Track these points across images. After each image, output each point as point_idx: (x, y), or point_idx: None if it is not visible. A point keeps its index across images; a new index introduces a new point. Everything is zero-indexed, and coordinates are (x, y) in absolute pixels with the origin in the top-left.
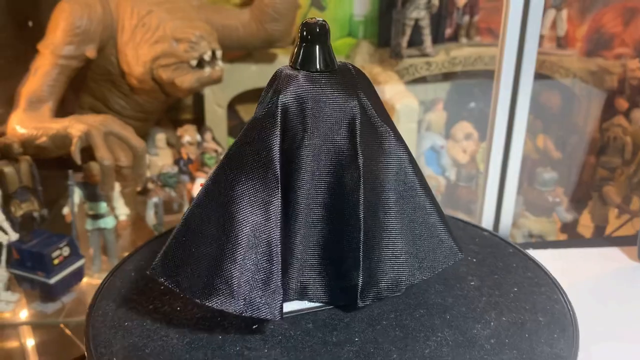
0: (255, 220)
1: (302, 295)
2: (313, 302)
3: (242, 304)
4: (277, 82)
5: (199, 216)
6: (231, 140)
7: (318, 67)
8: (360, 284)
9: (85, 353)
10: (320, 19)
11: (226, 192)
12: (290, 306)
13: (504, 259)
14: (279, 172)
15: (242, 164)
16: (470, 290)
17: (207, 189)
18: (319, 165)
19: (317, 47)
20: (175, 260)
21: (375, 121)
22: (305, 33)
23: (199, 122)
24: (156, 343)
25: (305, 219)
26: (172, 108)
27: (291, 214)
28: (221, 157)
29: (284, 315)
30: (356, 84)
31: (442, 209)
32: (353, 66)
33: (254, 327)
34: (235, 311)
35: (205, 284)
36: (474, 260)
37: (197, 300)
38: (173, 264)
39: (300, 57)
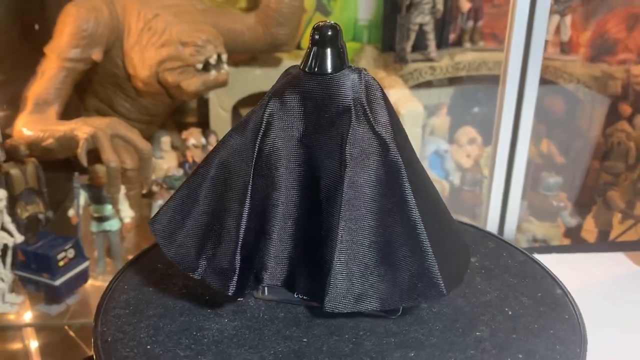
0: (228, 203)
1: (284, 283)
2: (296, 294)
3: (201, 270)
4: (279, 79)
5: (186, 190)
6: None
7: (318, 69)
8: (327, 291)
9: (94, 356)
10: (332, 21)
11: (208, 172)
12: (277, 293)
13: (510, 263)
14: (253, 163)
15: (225, 149)
16: (475, 293)
17: (197, 167)
18: (300, 166)
19: (321, 49)
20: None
21: (372, 129)
22: (313, 35)
23: (204, 125)
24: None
25: (283, 214)
26: (177, 111)
27: (271, 206)
28: None
29: (262, 299)
30: (358, 89)
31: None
32: (364, 72)
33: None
34: (196, 276)
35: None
36: (478, 264)
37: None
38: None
39: (305, 59)
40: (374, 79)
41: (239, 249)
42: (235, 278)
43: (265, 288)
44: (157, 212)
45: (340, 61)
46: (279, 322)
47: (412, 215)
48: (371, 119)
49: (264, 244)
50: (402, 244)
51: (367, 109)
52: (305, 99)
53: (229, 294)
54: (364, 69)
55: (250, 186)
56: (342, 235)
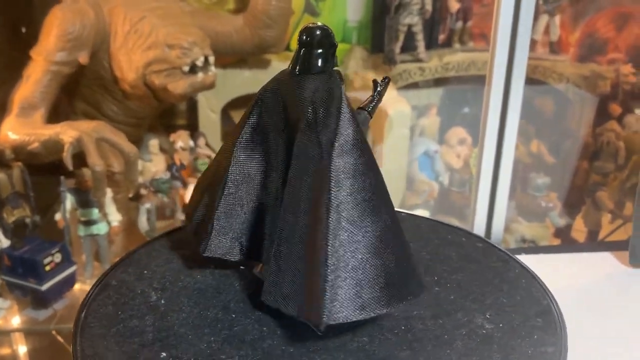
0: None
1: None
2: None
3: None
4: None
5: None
6: None
7: (296, 69)
8: (267, 282)
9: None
10: (318, 24)
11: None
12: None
13: (493, 265)
14: (240, 148)
15: (228, 136)
16: (457, 295)
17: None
18: (266, 155)
19: (302, 50)
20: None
21: (316, 134)
22: (299, 36)
23: (193, 127)
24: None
25: (255, 200)
26: (166, 114)
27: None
28: None
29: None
30: (319, 92)
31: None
32: (335, 76)
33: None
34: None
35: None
36: (461, 265)
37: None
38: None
39: (294, 60)
40: (340, 83)
41: (214, 216)
42: (208, 241)
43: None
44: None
45: (314, 63)
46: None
47: (322, 233)
48: (320, 124)
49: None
50: (306, 260)
51: (320, 113)
52: (280, 96)
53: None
54: (338, 72)
55: (232, 161)
56: (280, 231)
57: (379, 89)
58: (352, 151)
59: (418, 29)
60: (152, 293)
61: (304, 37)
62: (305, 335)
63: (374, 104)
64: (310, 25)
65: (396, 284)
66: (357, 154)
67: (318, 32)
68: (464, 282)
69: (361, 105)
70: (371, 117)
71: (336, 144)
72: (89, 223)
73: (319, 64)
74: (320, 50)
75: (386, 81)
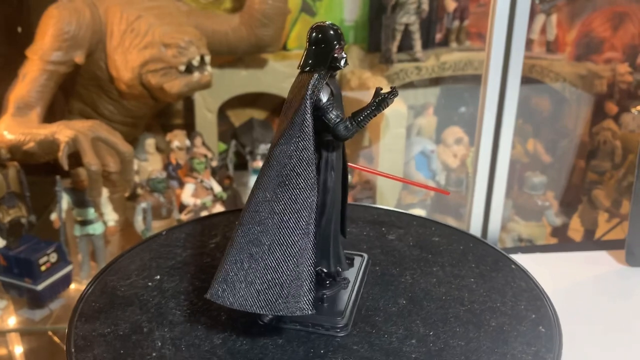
0: None
1: None
2: None
3: None
4: None
5: None
6: (222, 145)
7: (299, 66)
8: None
9: None
10: (329, 22)
11: None
12: None
13: (488, 264)
14: None
15: None
16: (451, 295)
17: None
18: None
19: (305, 48)
20: None
21: (280, 128)
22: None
23: (190, 127)
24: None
25: None
26: (163, 113)
27: None
28: (211, 162)
29: None
30: (297, 88)
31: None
32: (314, 75)
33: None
34: None
35: None
36: (455, 265)
37: None
38: None
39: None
40: (311, 81)
41: None
42: None
43: None
44: None
45: (305, 61)
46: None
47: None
48: (288, 117)
49: None
50: (257, 252)
51: (288, 107)
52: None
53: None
54: (318, 72)
55: None
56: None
57: (378, 98)
58: (288, 150)
59: (415, 28)
60: (147, 293)
61: (306, 35)
62: None
63: (365, 113)
64: (315, 23)
65: (276, 295)
66: (296, 157)
67: (313, 31)
68: (457, 282)
69: (354, 112)
70: (357, 125)
71: (283, 144)
72: (85, 223)
73: (309, 61)
74: (312, 48)
75: (392, 94)
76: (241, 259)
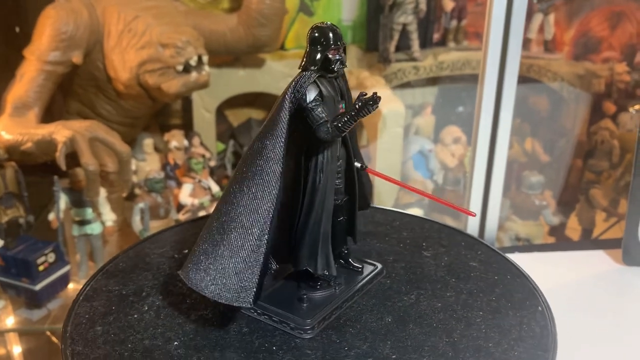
0: None
1: None
2: None
3: None
4: None
5: None
6: (220, 145)
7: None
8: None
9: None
10: (329, 23)
11: None
12: None
13: (484, 264)
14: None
15: None
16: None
17: None
18: None
19: (306, 48)
20: None
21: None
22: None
23: (188, 127)
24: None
25: None
26: (161, 113)
27: None
28: (209, 162)
29: None
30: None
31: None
32: (301, 74)
33: None
34: None
35: None
36: (451, 264)
37: None
38: None
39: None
40: (297, 79)
41: None
42: None
43: None
44: None
45: (302, 61)
46: None
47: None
48: (269, 115)
49: None
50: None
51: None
52: None
53: None
54: (305, 72)
55: None
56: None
57: (358, 104)
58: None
59: (413, 27)
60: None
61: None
62: None
63: (345, 119)
64: (315, 23)
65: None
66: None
67: (311, 31)
68: (453, 281)
69: (335, 115)
70: (337, 130)
71: (262, 138)
72: (83, 223)
73: (304, 61)
74: (309, 48)
75: (372, 99)
76: (205, 246)
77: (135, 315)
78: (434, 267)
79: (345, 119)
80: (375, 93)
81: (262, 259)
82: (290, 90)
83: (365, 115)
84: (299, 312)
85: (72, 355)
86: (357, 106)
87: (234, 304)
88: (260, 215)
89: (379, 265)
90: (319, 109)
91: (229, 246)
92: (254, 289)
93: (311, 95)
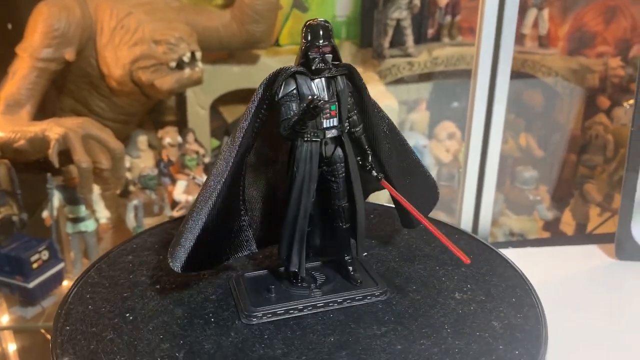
0: None
1: None
2: None
3: None
4: None
5: None
6: (214, 142)
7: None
8: None
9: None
10: (322, 20)
11: None
12: None
13: (477, 259)
14: None
15: None
16: (438, 289)
17: None
18: None
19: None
20: None
21: None
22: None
23: (182, 123)
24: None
25: None
26: (155, 110)
27: None
28: (203, 159)
29: None
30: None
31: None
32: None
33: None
34: None
35: None
36: (443, 260)
37: None
38: None
39: None
40: (271, 73)
41: None
42: None
43: None
44: None
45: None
46: None
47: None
48: None
49: None
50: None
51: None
52: None
53: None
54: (284, 67)
55: None
56: None
57: (302, 107)
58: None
59: (407, 23)
60: (135, 288)
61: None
62: None
63: (292, 120)
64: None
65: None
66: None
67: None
68: (446, 276)
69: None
70: (284, 130)
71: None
72: (76, 220)
73: (299, 58)
74: (301, 43)
75: (312, 103)
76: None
77: (127, 313)
78: (424, 263)
79: (294, 119)
80: (315, 97)
81: (193, 238)
82: (263, 83)
83: (310, 119)
84: (256, 297)
85: (63, 353)
86: (301, 109)
87: (172, 268)
88: (205, 203)
89: (382, 288)
90: (289, 105)
91: (184, 222)
92: (183, 259)
93: (284, 91)
